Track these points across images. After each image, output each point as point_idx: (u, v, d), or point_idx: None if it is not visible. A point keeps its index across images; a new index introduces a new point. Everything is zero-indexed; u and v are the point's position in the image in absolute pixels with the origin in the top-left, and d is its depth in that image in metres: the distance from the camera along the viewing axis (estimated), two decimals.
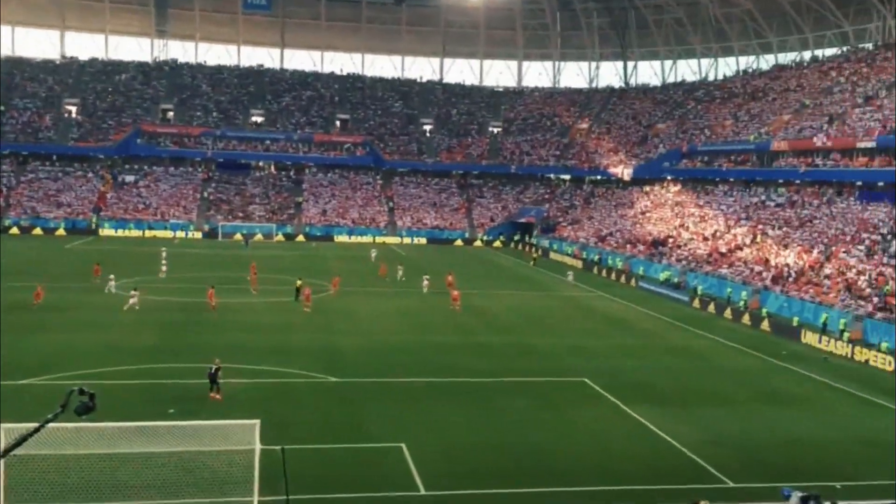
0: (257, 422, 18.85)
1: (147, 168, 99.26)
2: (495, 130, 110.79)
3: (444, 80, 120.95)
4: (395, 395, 29.18)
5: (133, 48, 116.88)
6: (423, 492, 20.45)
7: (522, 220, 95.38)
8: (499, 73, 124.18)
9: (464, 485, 20.89)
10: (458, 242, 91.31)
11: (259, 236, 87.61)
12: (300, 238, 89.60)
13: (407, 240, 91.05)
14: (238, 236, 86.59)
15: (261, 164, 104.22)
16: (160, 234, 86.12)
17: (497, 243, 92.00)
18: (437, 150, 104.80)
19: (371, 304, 48.35)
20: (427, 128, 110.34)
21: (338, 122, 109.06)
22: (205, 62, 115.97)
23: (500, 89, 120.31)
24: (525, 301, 53.01)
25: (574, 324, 45.76)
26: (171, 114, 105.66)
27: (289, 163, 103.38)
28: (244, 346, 35.52)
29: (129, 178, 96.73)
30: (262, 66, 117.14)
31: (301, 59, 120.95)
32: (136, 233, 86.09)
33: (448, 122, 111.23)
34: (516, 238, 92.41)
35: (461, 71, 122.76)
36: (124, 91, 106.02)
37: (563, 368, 34.52)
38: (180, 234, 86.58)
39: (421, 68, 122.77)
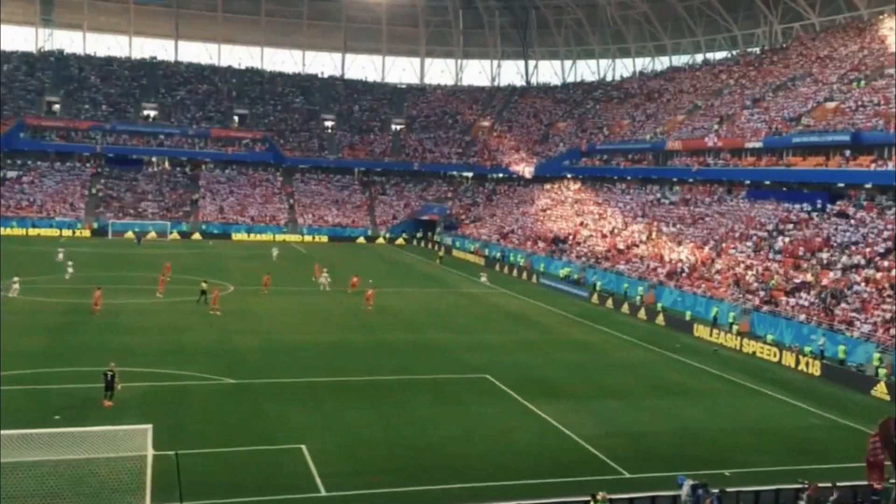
0: (149, 427, 18.19)
1: (31, 163, 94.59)
2: (398, 127, 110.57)
3: (346, 76, 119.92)
4: (296, 396, 28.65)
5: (16, 38, 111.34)
6: (323, 493, 20.11)
7: (425, 218, 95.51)
8: (401, 70, 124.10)
9: (366, 484, 20.64)
10: (361, 240, 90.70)
11: (152, 234, 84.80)
12: (196, 236, 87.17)
13: (308, 237, 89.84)
14: (129, 234, 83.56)
15: (154, 159, 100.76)
16: (45, 232, 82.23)
17: (400, 241, 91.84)
18: (339, 147, 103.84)
19: (272, 304, 47.42)
20: (329, 124, 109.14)
21: (236, 117, 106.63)
22: (94, 53, 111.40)
23: (403, 86, 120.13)
24: (429, 298, 53.04)
25: (477, 321, 46.04)
26: (57, 106, 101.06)
27: (184, 158, 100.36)
28: (137, 348, 34.22)
29: (12, 174, 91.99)
30: (154, 58, 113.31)
31: (197, 52, 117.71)
32: (19, 231, 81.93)
33: (350, 118, 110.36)
34: (419, 236, 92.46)
35: (363, 67, 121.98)
36: (7, 83, 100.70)
37: (465, 365, 34.64)
38: (67, 232, 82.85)
39: (322, 63, 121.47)
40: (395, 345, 38.07)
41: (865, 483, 19.77)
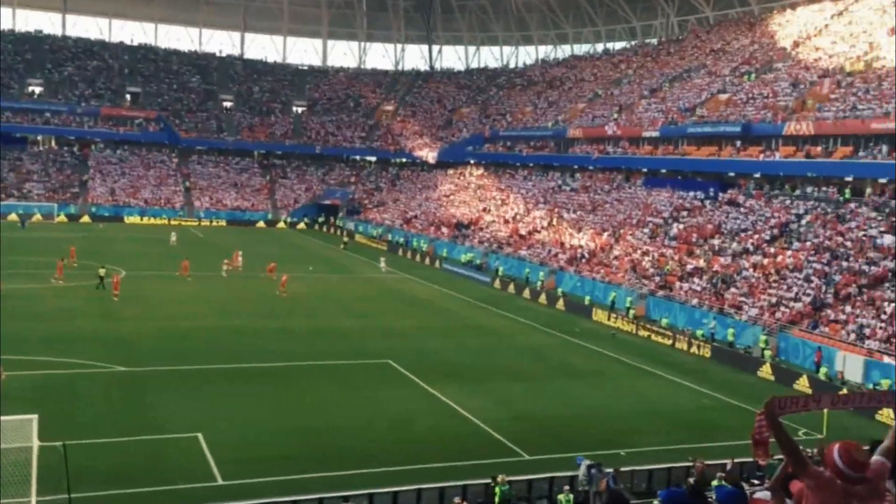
0: (34, 417, 17.33)
1: None
2: (299, 110, 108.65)
3: (246, 56, 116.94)
4: (192, 383, 27.81)
5: None
6: (220, 482, 19.59)
7: (328, 202, 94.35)
8: (303, 51, 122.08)
9: (265, 472, 20.20)
10: (261, 224, 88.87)
11: (38, 216, 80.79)
12: (85, 219, 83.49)
13: (206, 221, 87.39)
14: (13, 217, 79.39)
15: (39, 138, 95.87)
16: None
17: (301, 225, 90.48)
18: (238, 129, 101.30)
19: (167, 289, 45.90)
20: (227, 105, 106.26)
21: (128, 96, 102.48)
22: None
23: (305, 67, 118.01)
24: (332, 284, 52.40)
25: (379, 306, 45.77)
26: None
27: (72, 137, 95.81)
28: (25, 335, 32.49)
29: None
30: (41, 31, 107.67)
31: (86, 26, 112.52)
32: None
33: (249, 99, 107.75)
34: (321, 220, 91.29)
35: (263, 47, 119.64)
36: None
37: (367, 350, 34.38)
38: None
39: (220, 42, 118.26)
40: (297, 331, 37.46)
41: (751, 459, 20.61)
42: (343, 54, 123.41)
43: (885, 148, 45.06)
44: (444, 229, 72.94)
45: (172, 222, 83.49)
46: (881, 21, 58.68)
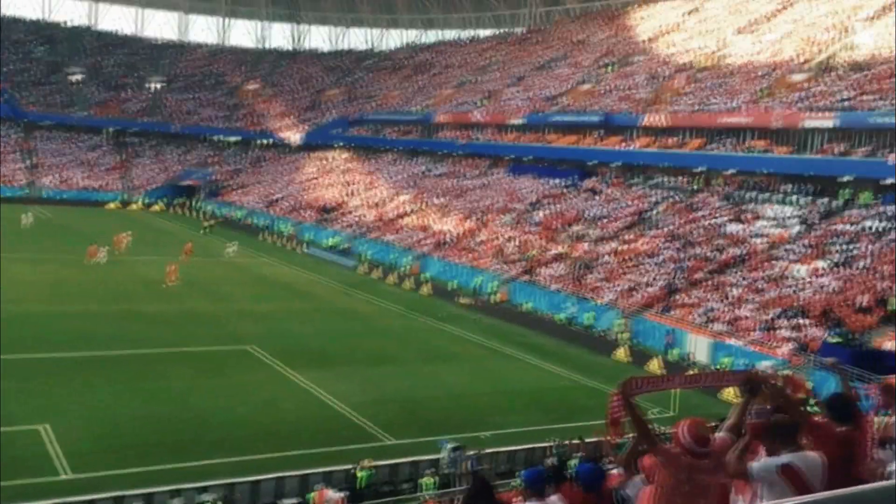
0: None
1: None
2: (156, 86, 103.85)
3: (97, 27, 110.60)
4: (38, 372, 26.08)
5: None
6: (69, 475, 18.46)
7: (186, 183, 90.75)
8: (160, 25, 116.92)
9: (119, 463, 19.19)
10: (112, 205, 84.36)
11: None
12: None
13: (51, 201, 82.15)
14: None
15: None
16: None
17: (157, 207, 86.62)
18: (88, 104, 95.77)
19: (20, 273, 42.73)
20: (76, 78, 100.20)
21: None
22: None
23: (162, 42, 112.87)
24: (194, 268, 50.34)
25: (242, 290, 44.49)
26: None
27: None
28: None
29: None
30: None
31: None
32: None
33: (101, 73, 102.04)
34: (179, 202, 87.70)
35: (117, 18, 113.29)
36: None
37: (229, 336, 33.34)
38: None
39: (69, 11, 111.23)
40: (155, 316, 35.82)
41: (607, 437, 21.32)
42: (204, 30, 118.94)
43: (732, 141, 47.63)
44: (309, 213, 71.73)
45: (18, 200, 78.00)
46: (730, 20, 61.95)
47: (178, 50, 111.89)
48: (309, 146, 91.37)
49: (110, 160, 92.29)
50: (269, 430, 22.76)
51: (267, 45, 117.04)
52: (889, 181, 38.35)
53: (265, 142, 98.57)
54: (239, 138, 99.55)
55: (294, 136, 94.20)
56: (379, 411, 25.02)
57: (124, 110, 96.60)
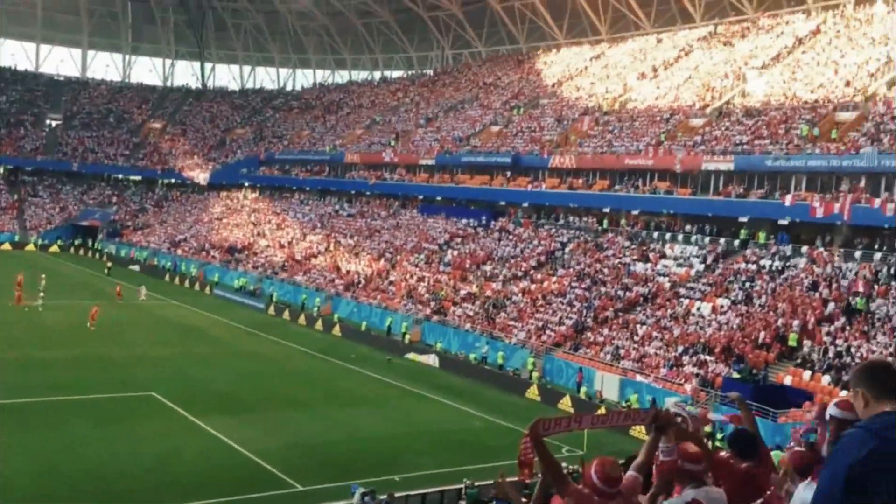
0: None
1: None
2: (54, 123, 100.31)
3: None
4: None
5: None
6: None
7: (85, 223, 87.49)
8: (60, 61, 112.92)
9: None
10: (7, 246, 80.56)
11: None
12: None
13: None
14: None
15: None
16: None
17: (54, 248, 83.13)
18: None
19: None
20: None
21: None
22: None
23: (61, 78, 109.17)
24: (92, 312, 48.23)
25: (144, 334, 42.83)
26: None
27: None
28: None
29: None
30: None
31: None
32: None
33: None
34: (77, 243, 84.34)
35: (13, 54, 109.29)
36: None
37: (129, 382, 31.92)
38: None
39: None
40: (49, 362, 34.05)
41: (518, 478, 21.20)
42: (106, 66, 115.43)
43: (636, 182, 48.96)
44: (216, 253, 70.09)
45: None
46: (633, 65, 64.11)
47: (79, 86, 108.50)
48: (216, 186, 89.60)
49: (5, 199, 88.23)
50: (173, 480, 21.78)
51: (172, 83, 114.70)
52: (784, 221, 40.00)
53: (170, 181, 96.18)
54: (142, 177, 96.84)
55: (200, 176, 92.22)
56: (287, 457, 24.27)
57: (20, 148, 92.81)
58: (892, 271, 34.55)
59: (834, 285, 35.10)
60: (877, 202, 35.83)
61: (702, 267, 41.26)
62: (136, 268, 71.48)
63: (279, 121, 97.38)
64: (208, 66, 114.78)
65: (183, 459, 23.64)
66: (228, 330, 46.44)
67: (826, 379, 28.90)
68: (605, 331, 38.55)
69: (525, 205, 56.07)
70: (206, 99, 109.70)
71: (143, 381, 31.99)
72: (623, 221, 48.89)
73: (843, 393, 24.50)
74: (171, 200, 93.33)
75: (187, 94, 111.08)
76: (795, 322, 33.18)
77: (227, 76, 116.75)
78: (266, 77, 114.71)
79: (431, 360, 40.76)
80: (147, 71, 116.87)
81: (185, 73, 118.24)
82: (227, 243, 71.63)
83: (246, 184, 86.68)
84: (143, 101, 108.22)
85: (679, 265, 42.26)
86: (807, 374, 30.30)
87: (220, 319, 49.43)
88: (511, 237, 53.54)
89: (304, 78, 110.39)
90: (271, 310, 53.51)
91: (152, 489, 20.92)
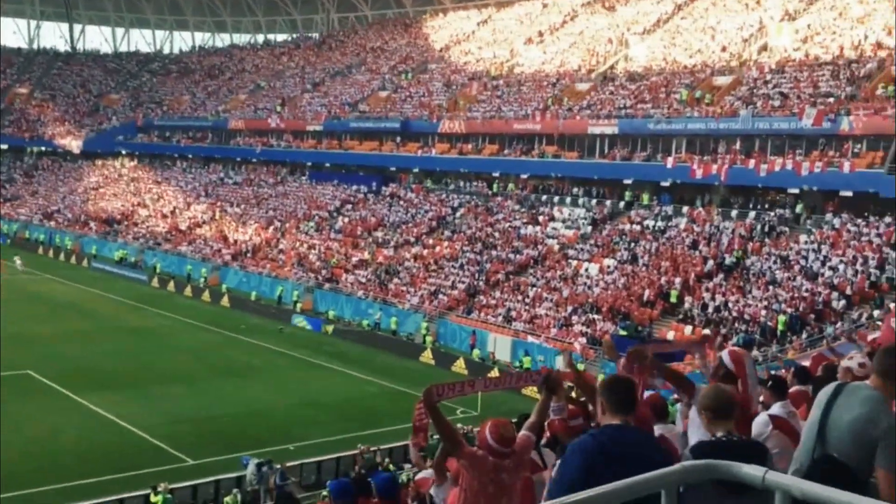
0: None
1: None
2: None
3: None
4: None
5: None
6: None
7: None
8: None
9: None
10: None
11: None
12: None
13: None
14: None
15: None
16: None
17: None
18: None
19: None
20: None
21: None
22: None
23: None
24: None
25: (16, 311, 40.32)
26: None
27: None
28: None
29: None
30: None
31: None
32: None
33: None
34: None
35: None
36: None
37: (3, 362, 30.08)
38: None
39: None
40: None
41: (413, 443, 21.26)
42: None
43: (525, 147, 49.47)
44: (93, 225, 66.96)
45: None
46: (519, 30, 64.47)
47: None
48: (91, 154, 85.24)
49: None
50: (52, 461, 20.85)
51: (39, 46, 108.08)
52: (665, 183, 41.28)
53: (40, 149, 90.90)
54: (9, 146, 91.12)
55: (73, 144, 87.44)
56: (176, 432, 23.54)
57: None
58: (766, 229, 36.23)
59: (713, 243, 36.55)
60: (751, 163, 37.38)
61: (589, 229, 42.17)
62: (3, 240, 67.57)
63: (157, 86, 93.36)
64: (77, 27, 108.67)
65: (65, 439, 22.68)
66: (109, 304, 44.56)
67: (706, 332, 30.07)
68: (497, 293, 38.97)
69: (415, 170, 55.85)
70: (76, 62, 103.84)
71: (18, 360, 30.23)
72: (512, 185, 49.38)
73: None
74: (42, 170, 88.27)
75: (55, 58, 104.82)
76: (677, 279, 34.40)
77: (98, 38, 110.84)
78: (141, 40, 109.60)
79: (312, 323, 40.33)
80: (11, 33, 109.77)
81: (53, 35, 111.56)
82: (106, 214, 68.53)
83: (123, 151, 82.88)
84: (6, 65, 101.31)
85: (567, 227, 43.07)
86: (688, 328, 31.48)
87: (100, 293, 47.35)
88: (402, 203, 53.29)
89: (182, 41, 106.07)
90: (155, 282, 51.63)
91: (34, 471, 19.98)
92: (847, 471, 3.06)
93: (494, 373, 30.22)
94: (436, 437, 5.62)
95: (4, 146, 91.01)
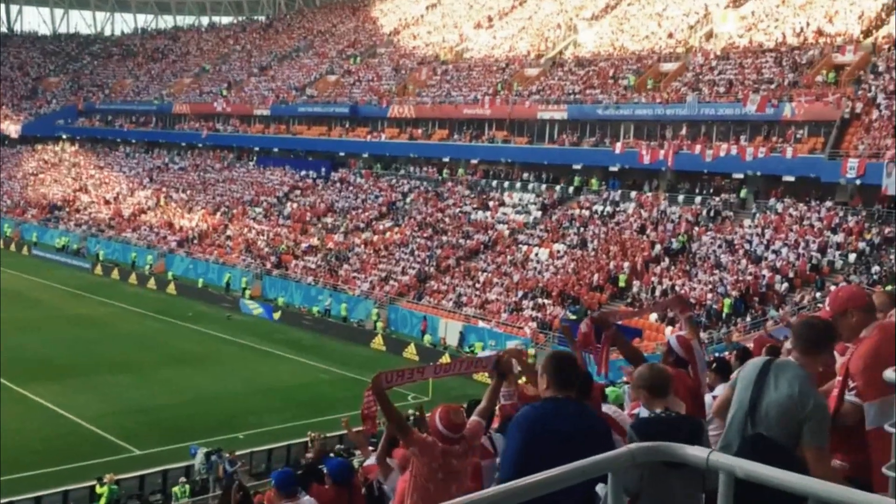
0: None
1: None
2: None
3: None
4: None
5: None
6: None
7: None
8: None
9: None
10: None
11: None
12: None
13: None
14: None
15: None
16: None
17: None
18: None
19: None
20: None
21: None
22: None
23: None
24: None
25: None
26: None
27: None
28: None
29: None
30: None
31: None
32: None
33: None
34: None
35: None
36: None
37: None
38: None
39: None
40: None
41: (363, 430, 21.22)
42: None
43: (474, 132, 49.46)
44: (33, 211, 65.24)
45: None
46: (469, 15, 64.29)
47: None
48: (29, 139, 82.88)
49: None
50: None
51: None
52: (614, 168, 41.67)
53: None
54: None
55: (11, 128, 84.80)
56: (121, 422, 23.17)
57: None
58: (712, 213, 36.83)
59: (660, 228, 37.03)
60: (697, 148, 37.92)
61: (539, 214, 42.39)
62: None
63: (98, 68, 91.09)
64: (14, 7, 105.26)
65: (6, 431, 21.98)
66: (51, 292, 43.54)
67: (653, 316, 30.52)
68: (448, 279, 39.00)
69: (365, 155, 55.45)
70: (12, 44, 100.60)
71: None
72: (462, 171, 49.37)
73: (669, 329, 25.97)
74: None
75: None
76: (626, 264, 34.79)
77: (36, 19, 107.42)
78: (81, 21, 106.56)
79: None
80: None
81: None
82: (46, 200, 66.81)
83: (64, 136, 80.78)
84: None
85: (517, 212, 43.23)
86: None
87: (41, 281, 46.21)
88: (352, 188, 52.93)
89: (123, 23, 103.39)
90: (98, 269, 50.55)
91: None
92: (782, 449, 3.10)
93: (446, 358, 30.29)
94: (383, 424, 5.62)
95: None
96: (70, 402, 24.57)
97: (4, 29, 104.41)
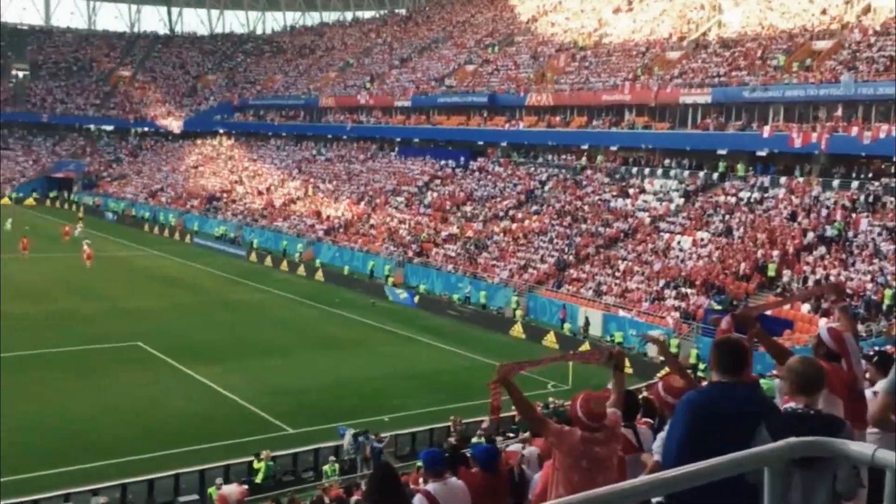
0: None
1: None
2: (21, 74, 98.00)
3: None
4: None
5: None
6: None
7: (60, 175, 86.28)
8: (22, 9, 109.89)
9: None
10: None
11: None
12: None
13: None
14: None
15: None
16: None
17: (30, 201, 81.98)
18: None
19: None
20: None
21: None
22: None
23: (25, 27, 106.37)
24: (69, 265, 47.85)
25: (124, 285, 42.60)
26: None
27: None
28: None
29: None
30: None
31: None
32: None
33: None
34: (53, 195, 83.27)
35: None
36: None
37: (113, 334, 31.82)
38: None
39: None
40: (24, 318, 33.71)
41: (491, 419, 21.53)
42: (70, 13, 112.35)
43: (613, 118, 48.74)
44: (195, 202, 69.50)
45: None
46: (608, 0, 63.18)
47: (44, 35, 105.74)
48: (190, 134, 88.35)
49: None
50: (160, 428, 21.90)
51: (139, 29, 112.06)
52: (762, 153, 40.09)
53: (143, 130, 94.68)
54: (114, 127, 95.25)
55: (174, 124, 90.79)
56: (276, 402, 24.44)
57: None
58: (870, 199, 34.84)
59: (812, 215, 35.39)
60: (853, 130, 35.92)
61: (681, 201, 41.38)
62: (112, 217, 70.93)
63: (251, 65, 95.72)
64: (175, 10, 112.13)
65: (171, 407, 23.76)
66: (210, 278, 46.30)
67: (806, 307, 29.30)
68: (587, 267, 38.77)
69: (503, 144, 55.77)
70: (174, 45, 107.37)
71: (128, 332, 31.90)
72: (601, 158, 48.80)
73: (823, 321, 24.93)
74: (145, 150, 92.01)
75: (155, 41, 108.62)
76: (775, 252, 33.49)
77: (195, 20, 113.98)
78: (235, 20, 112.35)
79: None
80: (112, 17, 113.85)
81: (152, 19, 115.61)
82: (205, 191, 70.98)
83: (221, 131, 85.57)
84: (110, 49, 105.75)
85: (658, 200, 42.37)
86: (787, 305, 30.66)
87: (203, 268, 49.25)
88: (490, 177, 53.37)
89: (274, 21, 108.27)
90: (253, 257, 53.36)
91: (141, 439, 20.97)
92: None
93: (585, 346, 30.25)
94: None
95: (110, 127, 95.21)
96: (229, 382, 26.12)
97: (167, 30, 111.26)
